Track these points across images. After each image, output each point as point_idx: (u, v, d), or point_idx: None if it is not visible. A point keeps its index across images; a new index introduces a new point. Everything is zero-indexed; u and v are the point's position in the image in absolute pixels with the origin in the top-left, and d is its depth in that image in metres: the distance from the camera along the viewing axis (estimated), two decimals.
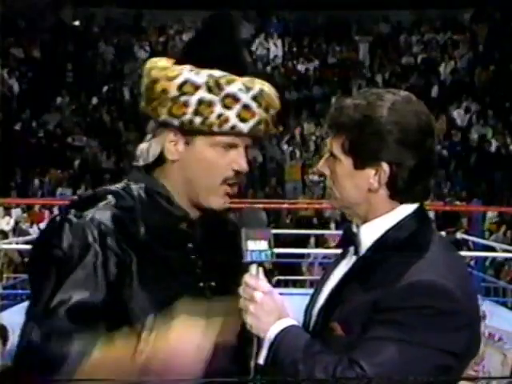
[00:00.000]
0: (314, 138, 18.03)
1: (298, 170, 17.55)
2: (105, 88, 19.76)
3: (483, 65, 19.59)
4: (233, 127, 1.73)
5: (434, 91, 19.43)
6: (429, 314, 1.58)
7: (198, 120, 1.73)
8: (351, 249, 1.77)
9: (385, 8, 21.29)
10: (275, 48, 21.07)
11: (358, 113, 1.69)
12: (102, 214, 1.72)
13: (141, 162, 1.82)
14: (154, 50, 20.98)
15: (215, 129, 1.73)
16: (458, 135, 18.08)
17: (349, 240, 1.79)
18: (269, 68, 20.44)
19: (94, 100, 19.30)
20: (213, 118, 1.73)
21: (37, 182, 16.83)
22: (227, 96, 1.73)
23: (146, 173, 1.82)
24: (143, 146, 1.82)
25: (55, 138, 18.08)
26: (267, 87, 1.79)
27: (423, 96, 17.21)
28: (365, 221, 1.74)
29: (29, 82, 19.36)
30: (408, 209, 1.72)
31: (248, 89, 1.75)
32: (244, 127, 1.74)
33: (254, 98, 1.75)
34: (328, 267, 1.89)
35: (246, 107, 1.74)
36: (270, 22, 21.76)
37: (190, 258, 1.79)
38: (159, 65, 1.81)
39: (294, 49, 21.42)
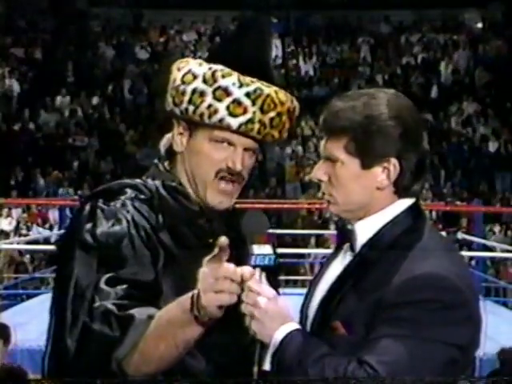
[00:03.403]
0: (314, 138, 18.01)
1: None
2: (105, 88, 19.72)
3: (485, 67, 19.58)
4: (221, 120, 1.74)
5: (434, 91, 19.41)
6: (434, 308, 1.58)
7: (191, 109, 1.76)
8: (345, 246, 1.76)
9: (385, 8, 21.27)
10: (275, 48, 21.04)
11: (358, 114, 1.68)
12: (128, 204, 1.74)
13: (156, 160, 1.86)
14: (154, 50, 20.96)
15: (206, 119, 1.75)
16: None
17: (343, 237, 1.77)
18: None
19: (95, 100, 19.25)
20: (203, 108, 1.74)
21: (42, 181, 16.78)
22: (219, 88, 1.75)
23: (165, 169, 1.84)
24: (161, 142, 1.87)
25: (55, 138, 18.03)
26: (273, 91, 1.77)
27: (423, 96, 17.27)
28: (360, 218, 1.73)
29: (29, 82, 19.32)
30: (403, 205, 1.71)
31: (242, 85, 1.75)
32: (233, 122, 1.74)
33: (248, 95, 1.75)
34: (321, 266, 1.87)
35: (236, 102, 1.74)
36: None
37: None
38: (182, 60, 1.84)
39: (294, 48, 21.40)
